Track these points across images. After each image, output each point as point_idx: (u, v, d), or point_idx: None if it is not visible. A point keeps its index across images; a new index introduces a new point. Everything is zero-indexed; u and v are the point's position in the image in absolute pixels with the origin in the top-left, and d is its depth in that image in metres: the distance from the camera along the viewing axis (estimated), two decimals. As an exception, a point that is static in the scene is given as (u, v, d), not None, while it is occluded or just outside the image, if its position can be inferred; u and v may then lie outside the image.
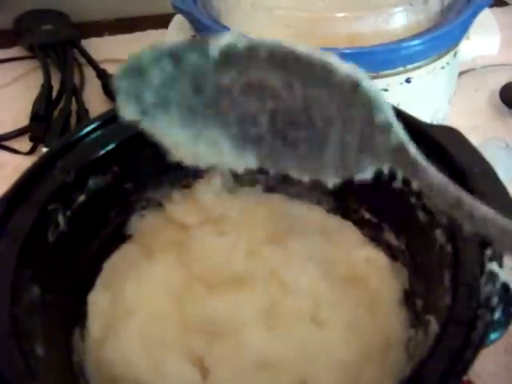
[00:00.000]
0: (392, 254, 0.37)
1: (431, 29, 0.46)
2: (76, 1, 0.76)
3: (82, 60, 0.68)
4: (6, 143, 0.58)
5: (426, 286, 0.33)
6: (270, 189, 0.41)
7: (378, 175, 0.26)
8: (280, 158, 0.28)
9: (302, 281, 0.36)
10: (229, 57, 0.26)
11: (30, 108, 0.59)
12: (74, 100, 0.61)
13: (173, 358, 0.33)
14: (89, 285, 0.36)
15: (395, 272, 0.36)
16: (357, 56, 0.43)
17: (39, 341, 0.28)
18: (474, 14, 0.47)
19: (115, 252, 0.38)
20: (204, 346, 0.33)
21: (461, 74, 0.58)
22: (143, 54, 0.27)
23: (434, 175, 0.24)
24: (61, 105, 0.60)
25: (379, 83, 0.45)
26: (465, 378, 0.36)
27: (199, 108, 0.28)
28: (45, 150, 0.55)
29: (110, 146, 0.35)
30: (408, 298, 0.35)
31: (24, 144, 0.57)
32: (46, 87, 0.62)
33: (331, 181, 0.28)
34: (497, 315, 0.25)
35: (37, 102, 0.59)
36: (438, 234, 0.31)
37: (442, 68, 0.48)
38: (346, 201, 0.40)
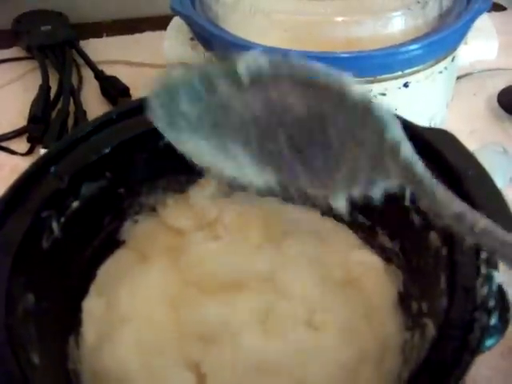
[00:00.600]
0: (386, 256, 0.37)
1: (429, 33, 0.46)
2: (75, 2, 0.75)
3: (81, 61, 0.68)
4: (3, 144, 0.57)
5: (422, 289, 0.32)
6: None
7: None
8: (297, 175, 0.29)
9: (297, 284, 0.36)
10: (254, 78, 0.27)
11: (28, 109, 0.59)
12: (72, 101, 0.60)
13: (169, 364, 0.32)
14: (83, 291, 0.36)
15: (390, 275, 0.36)
16: (355, 60, 0.43)
17: (34, 349, 0.28)
18: (473, 19, 0.47)
19: (109, 258, 0.38)
20: (200, 351, 0.33)
21: (459, 78, 0.57)
22: (175, 79, 0.28)
23: (440, 191, 0.24)
24: (59, 106, 0.60)
25: (377, 87, 0.45)
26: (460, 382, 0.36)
27: (223, 123, 0.28)
28: (43, 151, 0.55)
29: (104, 152, 0.35)
30: (403, 300, 0.35)
31: (22, 145, 0.57)
32: (44, 88, 0.61)
33: (342, 200, 0.28)
34: (493, 321, 0.25)
35: (35, 103, 0.59)
36: (433, 236, 0.31)
37: (440, 73, 0.48)
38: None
